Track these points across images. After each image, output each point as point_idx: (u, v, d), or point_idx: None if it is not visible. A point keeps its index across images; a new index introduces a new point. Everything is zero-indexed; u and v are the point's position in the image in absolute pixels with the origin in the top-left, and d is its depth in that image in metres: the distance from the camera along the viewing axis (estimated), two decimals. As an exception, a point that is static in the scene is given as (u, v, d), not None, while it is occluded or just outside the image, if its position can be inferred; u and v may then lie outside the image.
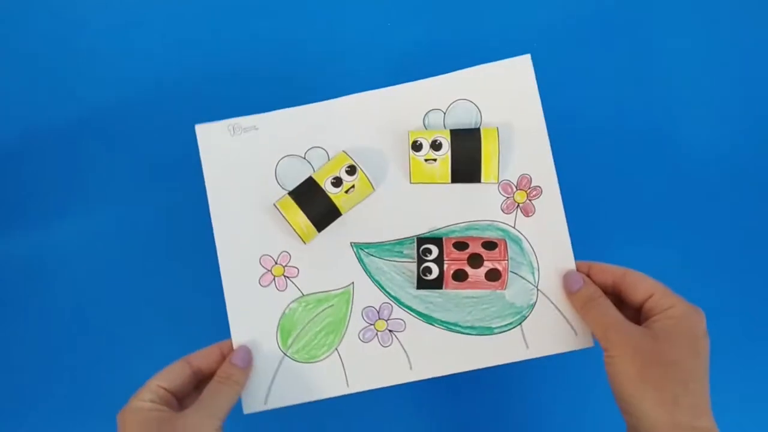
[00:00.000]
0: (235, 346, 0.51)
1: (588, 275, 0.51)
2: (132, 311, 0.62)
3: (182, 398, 0.49)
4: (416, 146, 0.51)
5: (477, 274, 0.50)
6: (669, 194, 0.64)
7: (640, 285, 0.49)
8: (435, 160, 0.51)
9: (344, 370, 0.51)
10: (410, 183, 0.52)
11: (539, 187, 0.52)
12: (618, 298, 0.50)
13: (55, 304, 0.62)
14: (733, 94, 0.65)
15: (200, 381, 0.50)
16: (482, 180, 0.51)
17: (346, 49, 0.66)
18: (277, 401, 0.51)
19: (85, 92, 0.65)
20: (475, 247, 0.51)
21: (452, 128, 0.52)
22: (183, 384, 0.48)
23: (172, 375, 0.48)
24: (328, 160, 0.53)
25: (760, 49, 0.66)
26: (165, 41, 0.66)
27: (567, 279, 0.51)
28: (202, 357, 0.50)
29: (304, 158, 0.53)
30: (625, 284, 0.50)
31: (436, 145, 0.51)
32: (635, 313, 0.49)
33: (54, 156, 0.64)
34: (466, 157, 0.51)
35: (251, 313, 0.52)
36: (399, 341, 0.52)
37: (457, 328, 0.52)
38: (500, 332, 0.52)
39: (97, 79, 0.65)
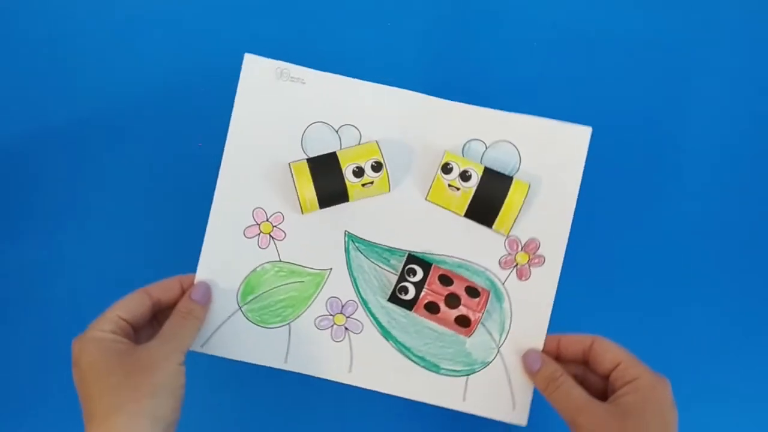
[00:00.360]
0: (199, 279, 0.51)
1: (558, 347, 0.51)
2: None
3: (139, 330, 0.48)
4: (447, 169, 0.50)
5: (449, 313, 0.50)
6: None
7: (607, 354, 0.49)
8: (458, 189, 0.50)
9: (288, 345, 0.51)
10: (425, 199, 0.51)
11: (544, 257, 0.51)
12: (586, 369, 0.50)
13: (55, 309, 0.61)
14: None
15: (156, 312, 0.49)
16: (493, 227, 0.50)
17: (346, 49, 0.63)
18: (214, 349, 0.51)
19: (86, 96, 0.63)
20: (459, 288, 0.50)
21: (487, 166, 0.51)
22: (142, 315, 0.48)
23: (132, 305, 0.47)
24: (359, 143, 0.51)
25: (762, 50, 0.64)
26: (167, 41, 0.64)
27: (527, 358, 0.51)
28: (162, 288, 0.49)
29: (336, 131, 0.52)
30: (593, 353, 0.49)
31: (465, 176, 0.50)
32: (603, 383, 0.49)
33: (55, 159, 0.62)
34: (489, 199, 0.50)
35: (224, 258, 0.51)
36: (350, 341, 0.51)
37: (408, 353, 0.51)
38: (445, 374, 0.51)
39: (100, 81, 0.63)
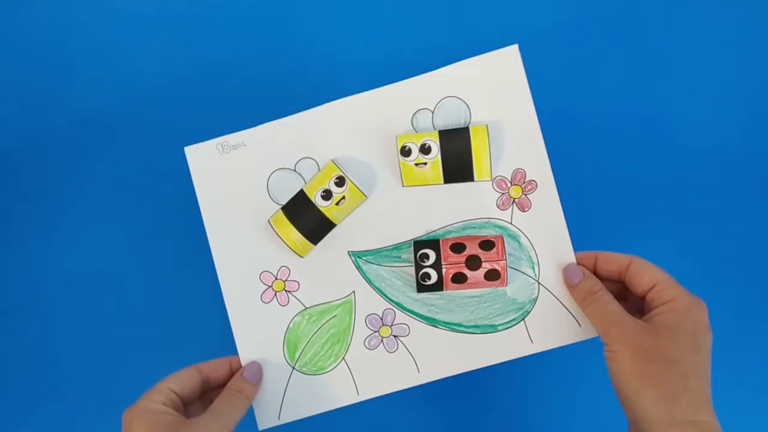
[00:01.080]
0: (243, 362, 0.52)
1: (595, 265, 0.51)
2: (130, 319, 0.63)
3: (188, 405, 0.49)
4: (405, 151, 0.50)
5: (476, 275, 0.50)
6: (666, 186, 0.63)
7: (645, 275, 0.48)
8: (425, 163, 0.50)
9: (353, 378, 0.52)
10: (403, 186, 0.52)
11: (534, 181, 0.52)
12: (624, 287, 0.50)
13: (53, 314, 0.63)
14: (729, 82, 0.64)
15: (205, 391, 0.51)
16: (475, 179, 0.51)
17: (340, 52, 0.64)
18: (290, 415, 0.52)
19: (85, 96, 0.65)
20: (473, 248, 0.50)
21: (441, 129, 0.51)
22: (192, 391, 0.49)
23: (184, 380, 0.48)
24: (318, 170, 0.52)
25: (759, 42, 0.64)
26: (158, 48, 0.65)
27: (566, 272, 0.51)
28: (212, 367, 0.51)
29: (295, 170, 0.52)
30: (630, 274, 0.49)
31: (425, 149, 0.50)
32: (640, 302, 0.49)
33: (51, 163, 0.64)
34: (456, 158, 0.50)
35: (256, 330, 0.52)
36: (404, 346, 0.52)
37: (461, 328, 0.52)
38: (504, 329, 0.52)
39: (98, 82, 0.65)
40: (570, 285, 0.50)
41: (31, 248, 0.63)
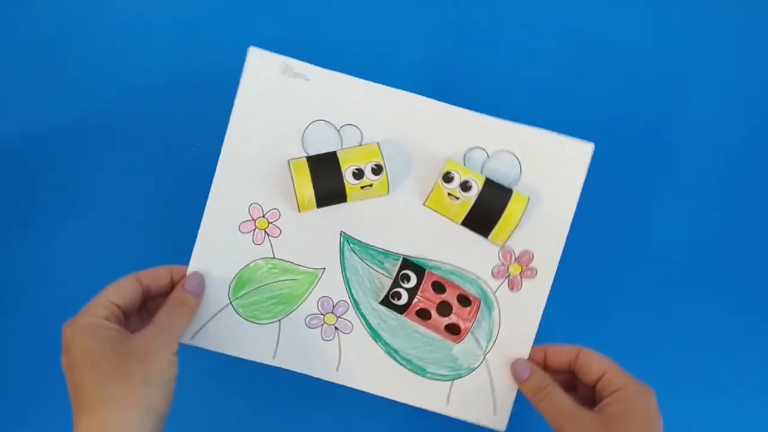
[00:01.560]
0: (188, 273, 0.50)
1: (545, 358, 0.52)
2: None
3: (128, 317, 0.48)
4: (447, 177, 0.50)
5: (439, 321, 0.50)
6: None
7: (593, 364, 0.50)
8: (458, 198, 0.50)
9: (278, 342, 0.51)
10: (423, 204, 0.51)
11: (536, 269, 0.52)
12: (574, 377, 0.51)
13: (51, 308, 0.60)
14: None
15: (145, 302, 0.49)
16: (489, 238, 0.51)
17: (347, 48, 0.63)
18: (204, 341, 0.51)
19: (85, 94, 0.62)
20: (451, 297, 0.50)
21: (489, 176, 0.50)
22: (133, 302, 0.47)
23: (124, 291, 0.47)
24: (360, 144, 0.51)
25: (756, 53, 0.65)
26: (167, 38, 0.63)
27: (515, 367, 0.52)
28: (152, 277, 0.49)
29: (338, 131, 0.51)
30: (578, 364, 0.50)
31: (466, 186, 0.49)
32: (590, 391, 0.50)
33: (51, 160, 0.62)
34: (487, 210, 0.50)
35: (218, 251, 0.51)
36: (339, 341, 0.52)
37: (396, 356, 0.52)
38: (431, 378, 0.52)
39: (98, 80, 0.62)
40: (519, 380, 0.51)
41: (30, 244, 0.61)
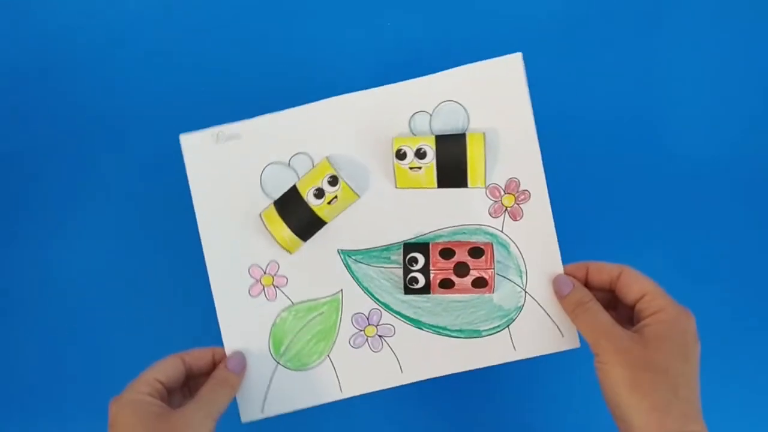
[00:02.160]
0: (227, 353, 0.52)
1: (586, 275, 0.52)
2: (118, 311, 0.63)
3: (171, 394, 0.50)
4: (400, 155, 0.50)
5: (463, 282, 0.50)
6: (659, 195, 0.63)
7: (634, 285, 0.49)
8: (420, 168, 0.50)
9: (337, 375, 0.53)
10: (396, 188, 0.52)
11: (527, 190, 0.52)
12: (614, 297, 0.51)
13: (48, 312, 0.63)
14: (726, 91, 0.64)
15: (188, 380, 0.51)
16: (469, 185, 0.51)
17: (339, 49, 0.64)
18: (273, 409, 0.52)
19: (75, 99, 0.65)
20: (462, 255, 0.50)
21: (438, 134, 0.51)
22: (176, 380, 0.49)
23: (168, 370, 0.49)
24: (312, 166, 0.52)
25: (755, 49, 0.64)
26: (153, 43, 0.65)
27: (557, 283, 0.51)
28: (195, 357, 0.51)
29: (289, 165, 0.52)
30: (620, 284, 0.50)
31: (420, 154, 0.50)
32: (630, 311, 0.50)
33: (44, 163, 0.64)
34: (451, 164, 0.50)
35: (242, 323, 0.53)
36: (389, 346, 0.53)
37: (446, 332, 0.52)
38: (488, 335, 0.52)
39: (97, 83, 0.65)
40: (560, 296, 0.51)
41: (27, 249, 0.64)
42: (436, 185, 0.51)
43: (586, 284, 0.51)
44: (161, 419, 0.46)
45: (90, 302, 0.63)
